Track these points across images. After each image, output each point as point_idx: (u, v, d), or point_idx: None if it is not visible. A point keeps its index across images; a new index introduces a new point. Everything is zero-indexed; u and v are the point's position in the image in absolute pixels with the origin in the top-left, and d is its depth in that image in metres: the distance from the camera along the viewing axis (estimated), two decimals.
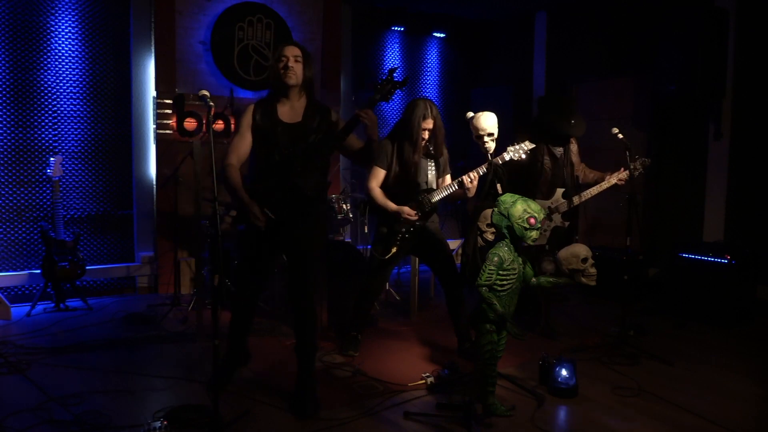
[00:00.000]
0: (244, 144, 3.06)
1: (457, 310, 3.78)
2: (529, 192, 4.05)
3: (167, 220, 5.39)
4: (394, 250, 3.66)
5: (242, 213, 2.98)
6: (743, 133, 5.26)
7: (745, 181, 5.25)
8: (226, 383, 3.19)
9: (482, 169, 3.45)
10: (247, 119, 3.06)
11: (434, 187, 3.77)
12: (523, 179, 4.12)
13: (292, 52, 3.03)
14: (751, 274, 4.67)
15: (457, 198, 3.68)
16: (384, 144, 3.70)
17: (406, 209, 3.60)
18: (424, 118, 3.59)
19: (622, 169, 4.05)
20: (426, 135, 3.63)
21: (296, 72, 3.01)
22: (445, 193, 3.66)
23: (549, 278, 2.96)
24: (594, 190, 4.09)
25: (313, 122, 3.05)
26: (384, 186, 3.71)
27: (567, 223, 4.13)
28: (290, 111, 3.06)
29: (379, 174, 3.70)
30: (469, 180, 3.49)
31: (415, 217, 3.60)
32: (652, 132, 5.90)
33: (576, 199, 4.07)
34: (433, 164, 3.75)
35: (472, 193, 3.52)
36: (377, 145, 3.10)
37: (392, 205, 3.63)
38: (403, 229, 3.66)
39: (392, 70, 2.92)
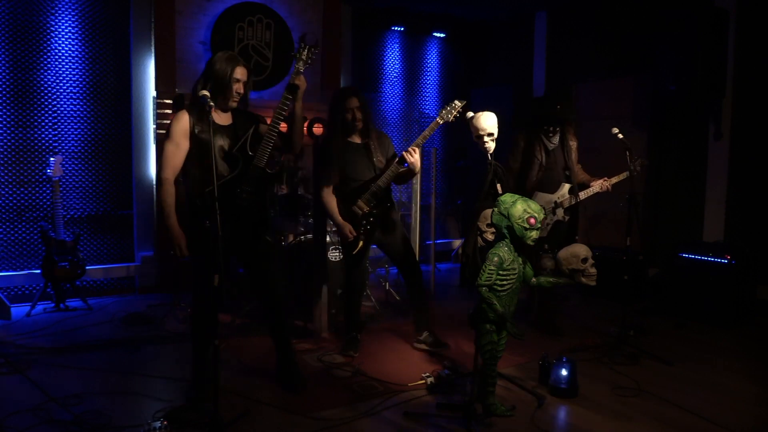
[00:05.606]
0: (179, 153, 2.96)
1: (418, 299, 3.79)
2: (526, 190, 4.08)
3: None
4: (360, 244, 3.70)
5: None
6: (743, 133, 5.26)
7: (745, 181, 5.25)
8: (204, 395, 3.05)
9: (421, 139, 3.43)
10: (182, 127, 2.95)
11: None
12: (520, 175, 4.16)
13: (244, 75, 3.03)
14: (751, 274, 4.68)
15: (406, 176, 3.66)
16: (325, 148, 3.70)
17: (348, 229, 3.63)
18: (347, 97, 3.57)
19: (605, 179, 4.09)
20: (358, 115, 3.60)
21: (241, 96, 3.04)
22: (390, 174, 3.63)
23: (549, 278, 2.96)
24: (592, 189, 4.12)
25: (242, 123, 3.09)
26: (337, 185, 3.71)
27: (567, 218, 4.16)
28: (219, 116, 3.05)
29: (330, 175, 3.68)
30: (410, 155, 3.42)
31: (351, 237, 3.63)
32: (652, 132, 5.90)
33: (582, 195, 4.10)
34: (373, 149, 3.69)
35: (416, 167, 3.49)
36: (300, 107, 3.04)
37: (338, 218, 3.67)
38: (364, 221, 3.70)
39: (303, 37, 3.01)
